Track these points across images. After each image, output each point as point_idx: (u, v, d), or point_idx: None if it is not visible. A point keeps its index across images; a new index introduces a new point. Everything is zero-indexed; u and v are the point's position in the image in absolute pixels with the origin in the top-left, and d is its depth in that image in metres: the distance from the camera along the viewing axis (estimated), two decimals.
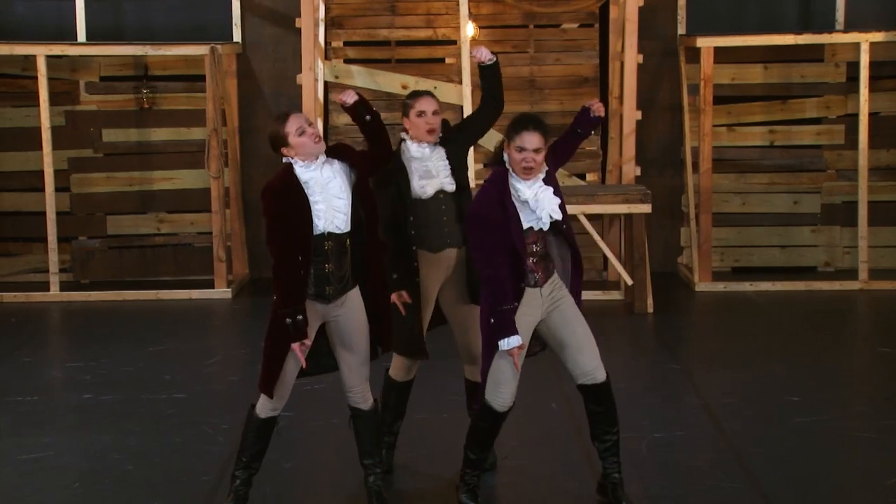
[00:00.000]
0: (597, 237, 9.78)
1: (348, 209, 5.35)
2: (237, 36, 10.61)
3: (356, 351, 5.47)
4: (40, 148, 10.13)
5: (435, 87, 10.49)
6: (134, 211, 10.65)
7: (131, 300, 10.05)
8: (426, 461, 6.22)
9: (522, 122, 5.37)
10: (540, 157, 5.33)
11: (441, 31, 10.57)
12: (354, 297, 5.44)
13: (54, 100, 10.29)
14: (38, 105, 10.11)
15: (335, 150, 5.49)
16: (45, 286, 10.21)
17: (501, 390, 5.45)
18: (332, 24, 10.58)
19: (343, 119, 10.62)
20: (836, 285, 10.07)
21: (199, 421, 6.88)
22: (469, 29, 10.30)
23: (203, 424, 6.81)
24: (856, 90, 10.19)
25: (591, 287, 10.13)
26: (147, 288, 10.26)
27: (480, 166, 10.50)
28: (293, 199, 5.25)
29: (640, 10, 9.84)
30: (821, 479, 5.79)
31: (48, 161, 10.11)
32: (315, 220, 5.27)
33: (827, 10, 10.63)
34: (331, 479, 6.07)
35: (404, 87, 10.51)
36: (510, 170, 5.37)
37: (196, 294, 10.08)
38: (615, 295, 9.90)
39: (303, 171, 5.31)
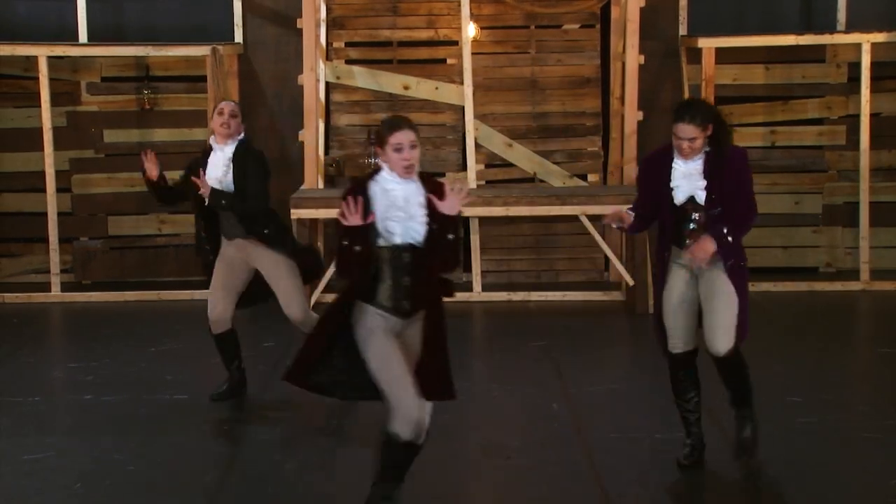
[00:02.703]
0: (598, 238, 9.78)
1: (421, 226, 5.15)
2: (238, 36, 10.61)
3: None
4: (42, 149, 10.14)
5: (436, 88, 10.51)
6: (135, 212, 10.65)
7: (133, 301, 10.05)
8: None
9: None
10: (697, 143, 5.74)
11: (443, 31, 10.57)
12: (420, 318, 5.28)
13: (55, 100, 10.30)
14: (39, 106, 10.11)
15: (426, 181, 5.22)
16: (46, 287, 10.21)
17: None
18: (333, 24, 10.58)
19: (344, 120, 10.62)
20: (838, 286, 10.07)
21: (200, 422, 6.87)
22: (470, 29, 10.30)
23: (205, 425, 6.81)
24: (857, 91, 10.18)
25: (591, 287, 10.14)
26: (148, 288, 10.26)
27: (482, 167, 10.50)
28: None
29: (642, 10, 9.84)
30: (823, 480, 5.79)
31: (49, 162, 10.11)
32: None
33: (828, 10, 10.62)
34: (333, 479, 6.07)
35: (406, 88, 10.51)
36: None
37: (198, 294, 10.05)
38: (616, 295, 9.90)
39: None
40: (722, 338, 5.78)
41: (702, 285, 5.88)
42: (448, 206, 5.02)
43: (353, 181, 5.17)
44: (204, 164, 7.10)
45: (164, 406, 7.16)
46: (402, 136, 5.07)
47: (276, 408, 7.08)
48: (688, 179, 5.84)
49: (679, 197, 5.86)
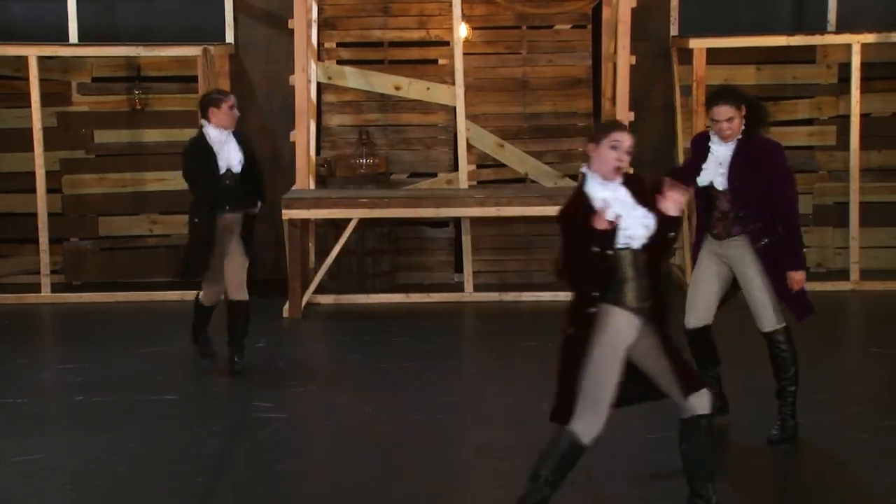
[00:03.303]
0: None
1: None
2: (230, 37, 10.59)
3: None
4: (32, 149, 10.11)
5: (428, 89, 10.51)
6: (126, 212, 10.63)
7: (123, 301, 10.03)
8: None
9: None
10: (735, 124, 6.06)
11: (434, 32, 10.57)
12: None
13: (46, 101, 10.27)
14: (29, 106, 10.08)
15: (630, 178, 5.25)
16: (36, 287, 10.18)
17: None
18: (325, 24, 10.57)
19: (336, 120, 10.61)
20: (828, 286, 10.08)
21: (192, 422, 6.86)
22: (462, 30, 10.30)
23: (196, 426, 6.80)
24: (847, 91, 10.21)
25: None
26: (139, 289, 10.24)
27: (474, 167, 10.51)
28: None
29: (633, 11, 9.85)
30: (816, 479, 5.80)
31: (39, 162, 10.08)
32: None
33: (819, 11, 10.64)
34: (324, 480, 6.06)
35: (397, 88, 10.51)
36: None
37: (189, 295, 10.02)
38: None
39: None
40: (762, 318, 6.23)
41: (734, 269, 6.28)
42: (672, 207, 5.10)
43: (574, 192, 5.17)
44: (215, 155, 7.62)
45: (155, 407, 7.15)
46: (623, 136, 5.10)
47: (266, 409, 7.07)
48: (716, 164, 6.10)
49: (702, 179, 6.13)
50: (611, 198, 5.09)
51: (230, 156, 7.67)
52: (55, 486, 5.91)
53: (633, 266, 5.15)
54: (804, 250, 6.25)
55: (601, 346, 5.13)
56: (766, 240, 6.13)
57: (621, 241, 5.09)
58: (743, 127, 6.13)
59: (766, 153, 6.14)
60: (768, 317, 6.23)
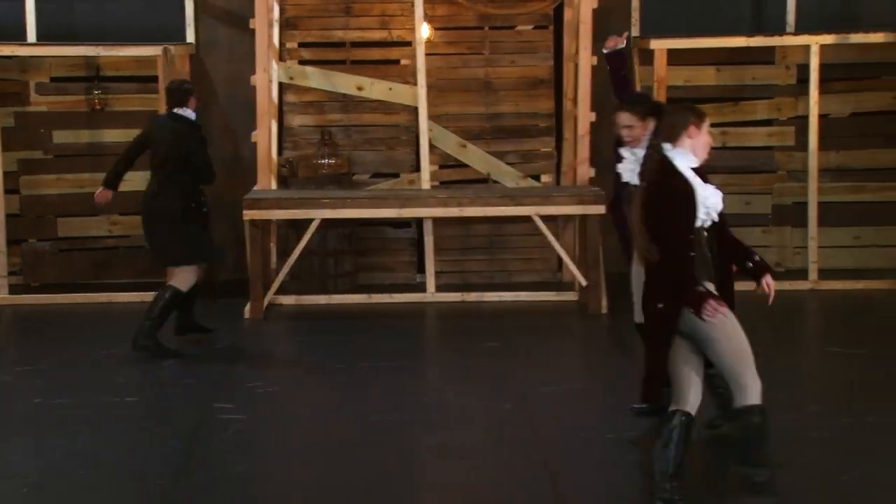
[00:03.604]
0: (551, 238, 9.82)
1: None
2: (190, 37, 10.53)
3: None
4: None
5: (390, 89, 10.50)
6: (85, 213, 10.55)
7: (83, 303, 9.96)
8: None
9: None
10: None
11: (396, 32, 10.57)
12: None
13: (4, 101, 10.18)
14: None
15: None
16: None
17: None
18: (286, 25, 10.54)
19: (298, 121, 10.58)
20: (787, 285, 10.14)
21: (151, 424, 6.82)
22: (424, 30, 10.30)
23: (156, 428, 6.75)
24: (806, 92, 10.29)
25: (545, 288, 10.17)
26: (99, 290, 10.16)
27: (436, 167, 10.51)
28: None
29: (595, 12, 9.88)
30: (775, 478, 5.83)
31: None
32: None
33: (778, 13, 10.72)
34: (286, 481, 6.04)
35: (359, 89, 10.49)
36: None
37: (149, 297, 9.96)
38: (569, 296, 9.93)
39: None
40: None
41: None
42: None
43: (667, 170, 5.33)
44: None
45: (115, 409, 7.10)
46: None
47: (228, 411, 7.04)
48: (629, 167, 6.34)
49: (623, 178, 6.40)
50: (692, 176, 5.35)
51: None
52: (12, 490, 5.86)
53: (708, 245, 5.39)
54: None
55: (726, 319, 5.27)
56: None
57: (702, 218, 5.32)
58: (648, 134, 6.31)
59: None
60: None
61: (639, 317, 6.38)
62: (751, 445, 5.42)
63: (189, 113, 8.30)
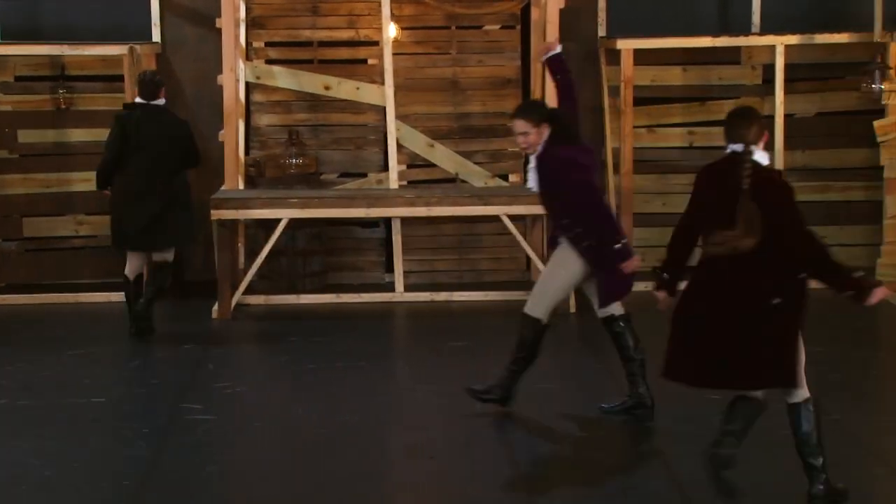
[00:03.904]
0: (520, 238, 9.83)
1: None
2: (156, 36, 10.48)
3: None
4: None
5: (357, 88, 10.49)
6: (51, 213, 10.48)
7: (49, 303, 9.89)
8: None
9: None
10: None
11: (363, 31, 10.55)
12: None
13: None
14: None
15: None
16: None
17: None
18: (253, 24, 10.50)
19: (265, 120, 10.55)
20: None
21: (119, 425, 6.79)
22: (391, 30, 10.30)
23: (123, 428, 6.72)
24: (772, 92, 10.35)
25: (513, 287, 10.17)
26: (66, 291, 10.09)
27: (404, 167, 10.50)
28: None
29: (561, 12, 9.90)
30: (742, 478, 5.86)
31: None
32: None
33: (743, 13, 10.78)
34: (255, 482, 6.03)
35: (327, 88, 10.47)
36: None
37: (115, 297, 9.92)
38: None
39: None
40: (529, 301, 6.81)
41: None
42: None
43: (764, 168, 5.52)
44: None
45: (81, 410, 7.06)
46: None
47: (196, 411, 7.01)
48: (532, 171, 6.71)
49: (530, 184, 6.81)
50: None
51: None
52: None
53: None
54: (606, 230, 6.58)
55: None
56: (587, 242, 6.57)
57: None
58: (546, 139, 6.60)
59: (555, 160, 6.58)
60: (533, 302, 6.79)
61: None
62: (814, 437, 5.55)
63: (162, 103, 8.60)
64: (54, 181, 10.45)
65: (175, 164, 8.62)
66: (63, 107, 10.39)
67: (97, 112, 10.40)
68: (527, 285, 10.23)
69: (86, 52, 10.08)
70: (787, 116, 10.40)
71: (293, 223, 9.72)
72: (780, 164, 10.30)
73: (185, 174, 8.82)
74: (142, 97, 8.62)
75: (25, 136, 10.44)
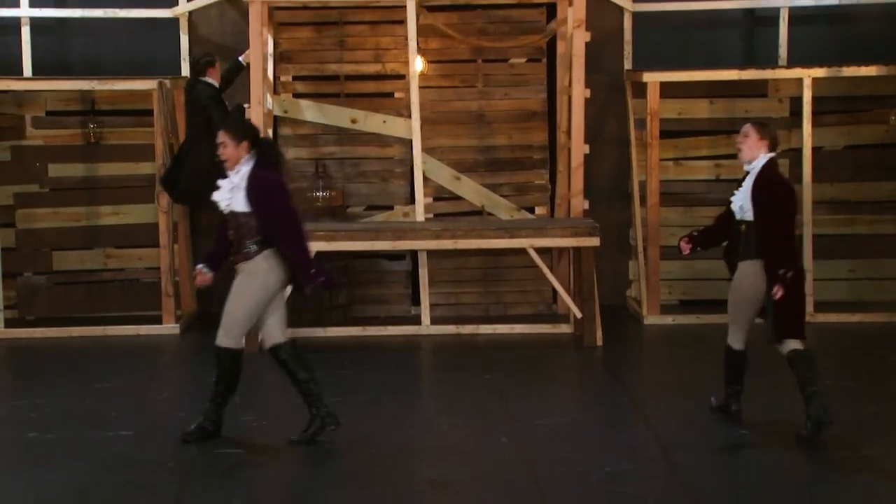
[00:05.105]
0: (546, 270, 9.82)
1: None
2: (185, 70, 10.57)
3: None
4: None
5: (384, 122, 10.54)
6: (80, 246, 10.55)
7: (78, 336, 9.94)
8: None
9: None
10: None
11: (390, 65, 10.61)
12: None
13: (0, 135, 10.19)
14: None
15: None
16: None
17: None
18: (280, 58, 10.59)
19: (292, 153, 10.61)
20: None
21: (146, 458, 6.79)
22: (418, 63, 10.34)
23: (150, 462, 6.73)
24: (799, 125, 10.33)
25: (540, 320, 10.17)
26: (94, 324, 10.15)
27: (430, 200, 10.52)
28: None
29: (587, 45, 9.92)
30: None
31: None
32: None
33: (770, 46, 10.78)
34: None
35: (354, 122, 10.53)
36: None
37: (144, 330, 9.99)
38: (564, 328, 9.93)
39: None
40: (220, 333, 6.90)
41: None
42: None
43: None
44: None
45: (109, 443, 7.07)
46: None
47: (222, 444, 7.01)
48: (225, 195, 6.86)
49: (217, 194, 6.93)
50: None
51: None
52: None
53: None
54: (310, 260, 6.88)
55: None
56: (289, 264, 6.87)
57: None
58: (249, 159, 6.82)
59: (271, 188, 6.80)
60: (223, 330, 6.90)
61: None
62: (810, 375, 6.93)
63: (209, 80, 9.72)
64: (83, 215, 10.53)
65: (203, 133, 9.41)
66: (93, 141, 10.49)
67: (126, 146, 10.50)
68: (553, 318, 10.26)
69: (115, 87, 10.18)
70: (815, 149, 10.37)
71: (320, 256, 9.74)
72: (807, 197, 10.27)
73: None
74: (191, 75, 10.06)
75: (55, 170, 10.54)
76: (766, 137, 7.12)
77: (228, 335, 6.91)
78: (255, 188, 6.77)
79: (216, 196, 6.92)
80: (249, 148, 6.84)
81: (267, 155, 6.90)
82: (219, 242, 7.06)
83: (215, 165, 8.70)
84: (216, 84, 9.79)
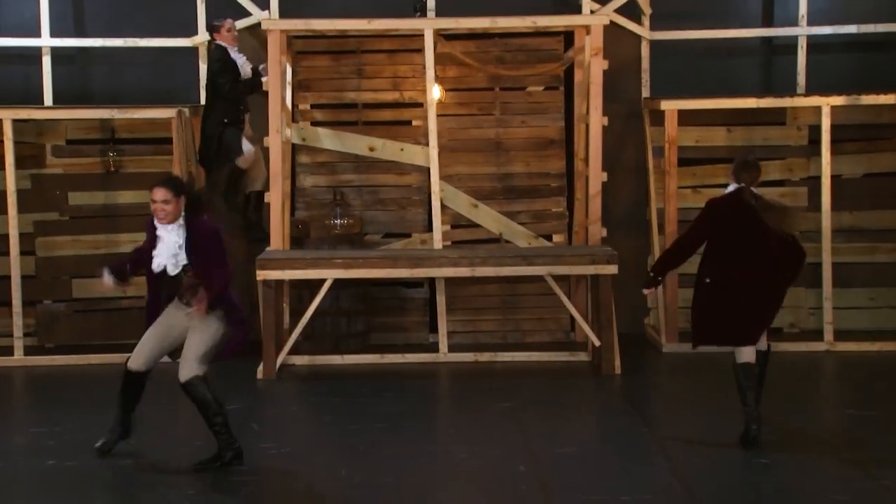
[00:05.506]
0: (564, 298, 9.81)
1: None
2: (204, 99, 10.62)
3: None
4: (6, 211, 10.08)
5: (402, 149, 10.57)
6: (100, 274, 10.56)
7: (97, 364, 9.96)
8: None
9: None
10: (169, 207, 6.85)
11: (407, 93, 10.65)
12: None
13: (20, 163, 10.27)
14: (3, 168, 10.07)
15: None
16: (9, 350, 10.11)
17: None
18: (299, 86, 10.64)
19: (310, 181, 10.65)
20: (802, 346, 10.12)
21: (164, 486, 6.79)
22: (435, 91, 10.38)
23: (168, 490, 6.73)
24: (818, 153, 10.31)
25: (557, 348, 10.15)
26: (113, 351, 10.16)
27: (448, 227, 10.52)
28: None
29: (605, 73, 9.95)
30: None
31: (13, 224, 10.06)
32: None
33: (788, 74, 10.78)
34: None
35: (371, 150, 10.56)
36: None
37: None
38: (582, 356, 9.91)
39: None
40: (182, 367, 7.05)
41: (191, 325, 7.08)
42: None
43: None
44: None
45: (127, 471, 7.08)
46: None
47: (240, 472, 7.01)
48: (167, 247, 6.95)
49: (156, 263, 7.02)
50: None
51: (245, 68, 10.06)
52: None
53: None
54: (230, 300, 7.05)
55: None
56: (222, 308, 7.01)
57: None
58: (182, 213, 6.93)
59: (212, 235, 6.96)
60: (190, 367, 7.03)
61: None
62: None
63: (220, 42, 10.03)
64: (103, 243, 10.57)
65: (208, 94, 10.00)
66: (112, 169, 10.55)
67: (146, 174, 10.53)
68: (571, 346, 10.24)
69: (135, 116, 10.24)
70: (834, 177, 10.35)
71: (337, 283, 9.76)
72: (826, 225, 10.24)
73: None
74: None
75: (75, 198, 10.59)
76: (732, 172, 7.57)
77: (188, 368, 7.07)
78: (200, 237, 6.91)
79: (155, 266, 7.02)
80: (183, 200, 6.97)
81: (197, 202, 7.03)
82: (129, 263, 7.24)
83: (224, 126, 9.72)
84: (226, 46, 10.02)
